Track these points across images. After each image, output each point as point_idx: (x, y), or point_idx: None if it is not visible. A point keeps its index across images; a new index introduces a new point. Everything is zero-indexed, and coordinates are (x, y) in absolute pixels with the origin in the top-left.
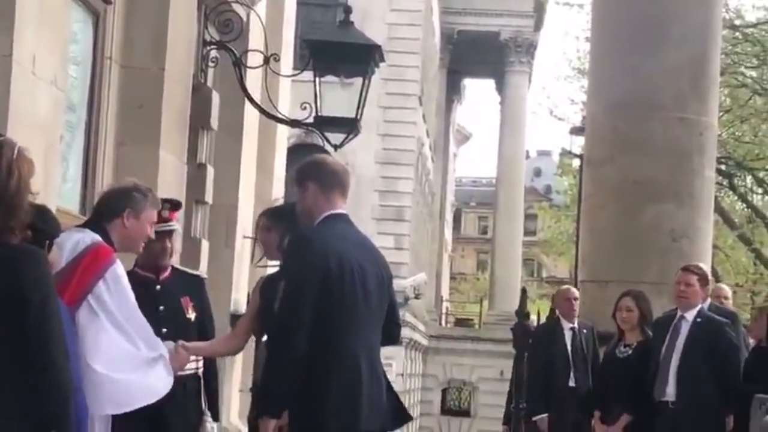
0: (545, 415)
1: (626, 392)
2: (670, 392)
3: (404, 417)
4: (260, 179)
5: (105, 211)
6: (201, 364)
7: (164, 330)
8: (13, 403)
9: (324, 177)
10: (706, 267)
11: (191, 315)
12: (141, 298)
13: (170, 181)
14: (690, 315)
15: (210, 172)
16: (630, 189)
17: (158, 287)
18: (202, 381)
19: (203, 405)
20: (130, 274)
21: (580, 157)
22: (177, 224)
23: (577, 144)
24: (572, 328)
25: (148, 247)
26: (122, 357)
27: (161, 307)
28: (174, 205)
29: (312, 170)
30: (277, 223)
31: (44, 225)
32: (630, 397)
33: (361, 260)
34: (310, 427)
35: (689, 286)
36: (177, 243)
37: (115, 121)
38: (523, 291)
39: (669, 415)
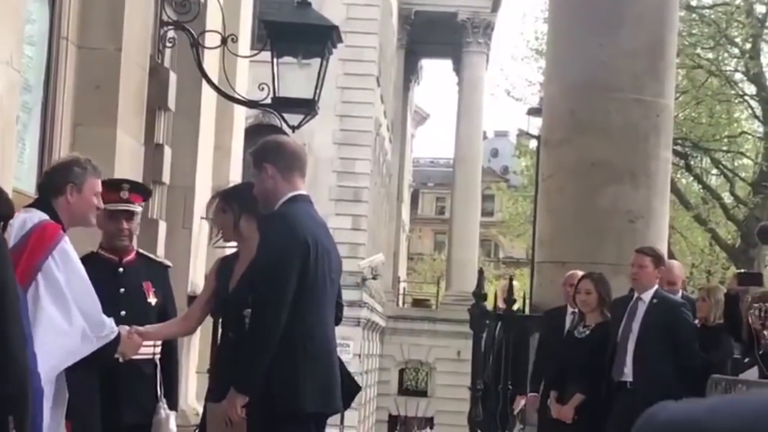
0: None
1: (583, 372)
2: (628, 372)
3: (356, 388)
4: (218, 160)
5: (49, 189)
6: (158, 350)
7: (123, 312)
8: None
9: (284, 158)
10: (662, 248)
11: (152, 300)
12: (102, 279)
13: (127, 163)
14: (646, 296)
15: (167, 153)
16: (587, 170)
17: (121, 269)
18: (158, 367)
19: (159, 391)
20: (94, 256)
21: (538, 138)
22: (137, 207)
23: (535, 125)
24: (573, 312)
25: (105, 227)
26: (55, 339)
27: (122, 290)
28: (139, 189)
29: (270, 151)
30: (231, 203)
31: (3, 208)
32: (584, 377)
33: (326, 242)
34: (288, 410)
35: (642, 267)
36: (135, 225)
37: (72, 102)
38: (480, 272)
39: (627, 395)
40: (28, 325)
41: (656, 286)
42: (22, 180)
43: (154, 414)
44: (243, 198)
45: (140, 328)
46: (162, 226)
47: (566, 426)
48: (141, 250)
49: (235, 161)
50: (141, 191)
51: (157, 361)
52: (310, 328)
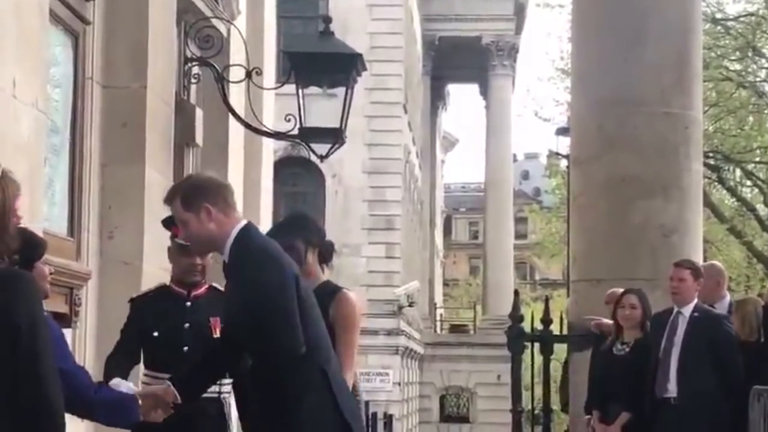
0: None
1: (625, 391)
2: (672, 389)
3: None
4: (247, 194)
5: None
6: (226, 388)
7: (185, 348)
8: (4, 427)
9: (220, 195)
10: (698, 261)
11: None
12: (169, 313)
13: (157, 200)
14: (686, 310)
15: None
16: (618, 186)
17: (188, 303)
18: (226, 405)
19: (231, 429)
20: (164, 289)
21: (567, 157)
22: None
23: (564, 144)
24: None
25: (176, 261)
26: None
27: (186, 325)
28: None
29: (208, 191)
30: (296, 239)
31: (30, 249)
32: (629, 396)
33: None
34: None
35: (682, 281)
36: (208, 260)
37: (99, 141)
38: (516, 293)
39: (671, 412)
40: (64, 352)
41: (696, 300)
42: (54, 222)
43: None
44: (307, 231)
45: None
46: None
47: None
48: (215, 285)
49: (265, 195)
50: None
51: (224, 401)
52: (325, 352)
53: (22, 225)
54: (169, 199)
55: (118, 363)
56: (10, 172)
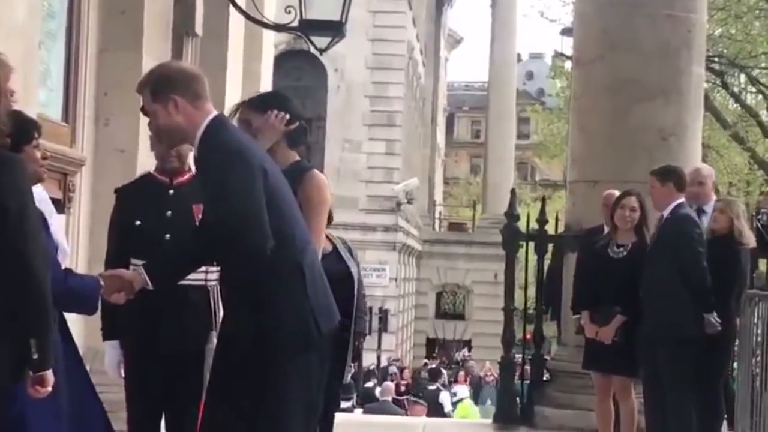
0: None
1: (621, 294)
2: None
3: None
4: (246, 86)
5: None
6: (213, 276)
7: (167, 235)
8: None
9: (189, 85)
10: (697, 165)
11: None
12: (151, 202)
13: None
14: (666, 212)
15: None
16: (619, 88)
17: (171, 192)
18: (212, 293)
19: (213, 320)
20: (146, 178)
21: (572, 58)
22: None
23: (569, 45)
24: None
25: (155, 149)
26: None
27: (168, 212)
28: None
29: (176, 81)
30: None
31: (23, 132)
32: (625, 299)
33: (264, 154)
34: (300, 330)
35: (652, 188)
36: (184, 147)
37: (97, 27)
38: (512, 192)
39: (645, 315)
40: (52, 248)
41: (676, 202)
42: (50, 106)
43: (207, 343)
44: (274, 106)
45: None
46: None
47: (596, 344)
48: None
49: (264, 87)
50: None
51: (210, 288)
52: (297, 241)
53: (15, 108)
54: (139, 89)
55: None
56: (2, 54)
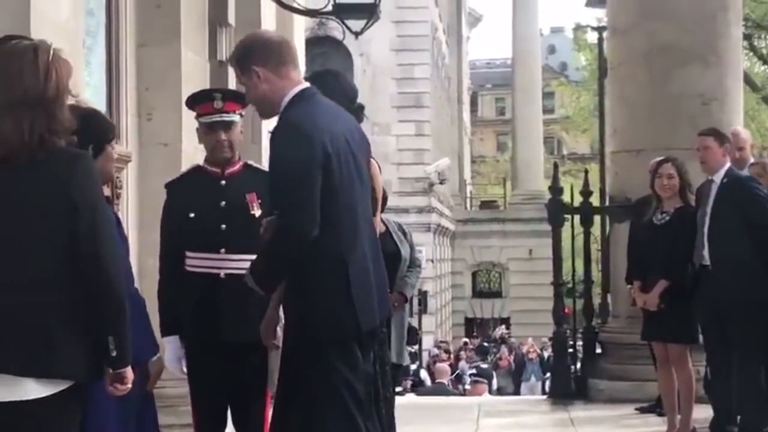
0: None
1: (665, 259)
2: (706, 255)
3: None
4: None
5: None
6: None
7: (223, 226)
8: (67, 312)
9: (272, 55)
10: (739, 128)
11: (256, 211)
12: (204, 194)
13: (194, 80)
14: (717, 177)
15: (230, 70)
16: (657, 55)
17: (223, 182)
18: None
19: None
20: (196, 170)
21: (599, 29)
22: (235, 116)
23: (593, 16)
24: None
25: (204, 141)
26: None
27: (223, 203)
28: (234, 97)
29: (256, 51)
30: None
31: (102, 131)
32: (668, 263)
33: (346, 133)
34: (337, 323)
35: (707, 149)
36: (235, 135)
37: (135, 23)
38: (555, 166)
39: (707, 278)
40: (123, 245)
41: (727, 165)
42: (89, 102)
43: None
44: (323, 84)
45: None
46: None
47: (654, 314)
48: (250, 162)
49: None
50: (236, 98)
51: None
52: (346, 238)
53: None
54: (231, 64)
55: (174, 289)
56: (62, 51)
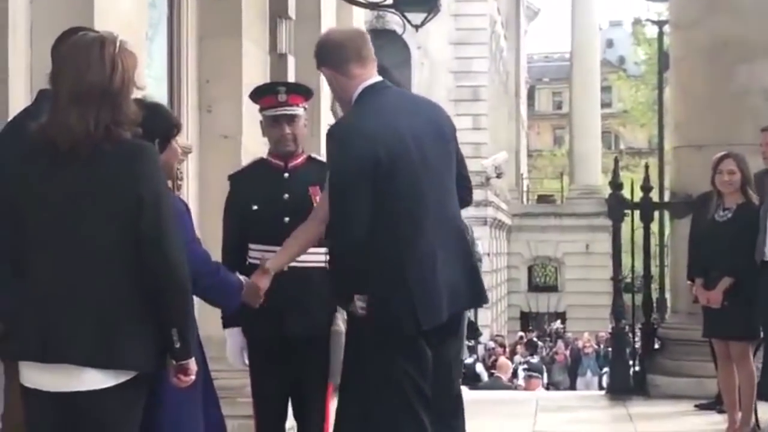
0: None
1: (727, 256)
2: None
3: (480, 299)
4: None
5: None
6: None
7: (287, 219)
8: (132, 303)
9: (330, 54)
10: None
11: None
12: (267, 186)
13: (254, 72)
14: None
15: (291, 62)
16: (720, 49)
17: (286, 175)
18: None
19: None
20: (259, 163)
21: (659, 23)
22: (299, 109)
23: (654, 10)
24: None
25: (268, 134)
26: None
27: (286, 195)
28: (298, 90)
29: (319, 54)
30: None
31: (155, 123)
32: (730, 260)
33: (415, 128)
34: (387, 325)
35: None
36: (299, 128)
37: (196, 15)
38: (616, 161)
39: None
40: (191, 231)
41: None
42: (153, 96)
43: (331, 325)
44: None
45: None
46: None
47: (716, 311)
48: (314, 155)
49: None
50: (300, 92)
51: None
52: (408, 237)
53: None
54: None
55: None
56: (127, 44)
